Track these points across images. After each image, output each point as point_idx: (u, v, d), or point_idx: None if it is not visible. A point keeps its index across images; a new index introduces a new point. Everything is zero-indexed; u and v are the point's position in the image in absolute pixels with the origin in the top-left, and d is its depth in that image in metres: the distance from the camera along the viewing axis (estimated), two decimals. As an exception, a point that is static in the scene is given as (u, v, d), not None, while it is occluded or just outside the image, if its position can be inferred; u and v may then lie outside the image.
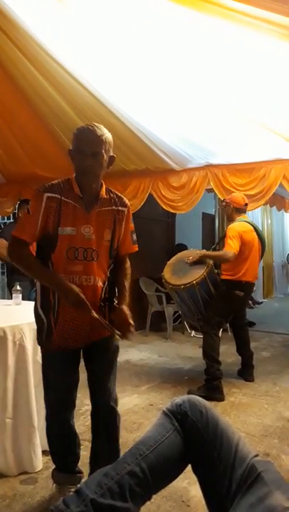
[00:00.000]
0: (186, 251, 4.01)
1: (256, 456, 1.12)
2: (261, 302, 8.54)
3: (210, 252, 3.73)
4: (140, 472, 1.08)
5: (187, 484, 2.02)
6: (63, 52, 3.25)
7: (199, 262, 3.53)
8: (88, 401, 3.13)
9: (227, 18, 2.40)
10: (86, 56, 3.26)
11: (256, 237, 3.51)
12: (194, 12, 2.42)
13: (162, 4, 2.44)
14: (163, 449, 1.12)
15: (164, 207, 4.75)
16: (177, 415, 1.19)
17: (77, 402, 3.05)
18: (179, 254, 3.85)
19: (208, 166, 4.35)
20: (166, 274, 3.68)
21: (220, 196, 4.29)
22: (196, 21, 2.54)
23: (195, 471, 1.17)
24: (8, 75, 3.62)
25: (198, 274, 3.44)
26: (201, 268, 3.48)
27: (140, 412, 2.98)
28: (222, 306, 3.45)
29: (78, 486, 1.11)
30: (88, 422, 2.77)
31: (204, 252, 3.67)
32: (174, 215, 6.78)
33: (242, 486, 1.05)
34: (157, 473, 1.11)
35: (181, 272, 3.58)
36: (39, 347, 2.22)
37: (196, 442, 1.15)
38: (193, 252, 3.72)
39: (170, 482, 1.17)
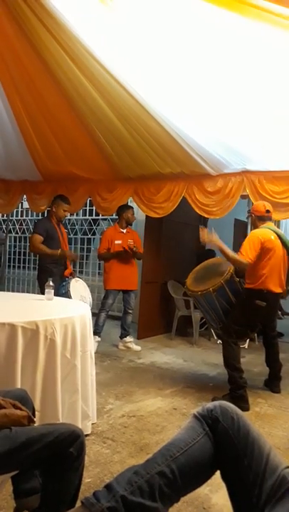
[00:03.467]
0: (212, 259, 3.98)
1: (287, 467, 1.10)
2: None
3: (227, 250, 3.31)
4: (170, 473, 1.08)
5: (209, 491, 2.00)
6: (107, 55, 3.30)
7: (219, 271, 3.48)
8: (112, 400, 3.19)
9: (267, 22, 2.39)
10: (129, 59, 3.31)
11: (280, 244, 3.38)
12: (236, 16, 2.42)
13: (205, 10, 2.45)
14: (193, 452, 1.12)
15: (197, 211, 4.75)
16: (208, 420, 1.18)
17: (101, 400, 3.13)
18: (205, 262, 3.83)
19: (245, 172, 4.32)
20: (189, 280, 3.69)
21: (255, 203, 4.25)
22: (236, 26, 2.54)
23: (224, 477, 1.16)
24: (52, 75, 3.71)
25: (216, 281, 3.41)
26: (220, 276, 3.45)
27: (163, 415, 2.98)
28: (240, 314, 3.37)
29: (108, 481, 1.11)
30: (111, 420, 2.82)
31: (222, 245, 3.33)
32: (205, 220, 6.74)
33: (272, 497, 1.03)
34: (186, 475, 1.11)
35: (203, 279, 3.57)
36: (69, 343, 2.28)
37: (226, 448, 1.14)
38: (219, 259, 3.68)
39: (198, 486, 1.16)
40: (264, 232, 3.32)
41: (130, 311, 4.97)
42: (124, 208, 4.99)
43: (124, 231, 4.95)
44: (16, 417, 1.29)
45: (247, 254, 3.19)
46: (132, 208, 5.04)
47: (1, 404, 1.32)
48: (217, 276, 3.48)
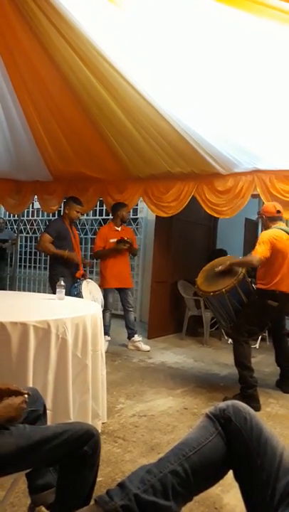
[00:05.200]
0: (221, 258, 3.95)
1: (301, 468, 1.09)
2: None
3: (236, 260, 3.57)
4: (183, 472, 1.08)
5: (220, 491, 1.99)
6: (116, 54, 3.31)
7: (231, 270, 3.48)
8: (123, 399, 3.20)
9: (277, 19, 2.37)
10: (138, 59, 3.31)
11: None
12: (244, 14, 2.41)
13: (216, 7, 2.44)
14: (205, 451, 1.12)
15: (207, 211, 4.73)
16: (221, 419, 1.18)
17: (112, 399, 3.14)
18: (215, 261, 3.80)
19: (256, 172, 4.29)
20: (199, 279, 3.65)
21: (265, 202, 4.21)
22: (246, 24, 2.52)
23: (236, 477, 1.16)
24: (62, 75, 3.73)
25: (228, 281, 3.38)
26: (233, 276, 3.43)
27: (174, 414, 2.98)
28: (252, 314, 3.37)
29: (120, 480, 1.12)
30: (122, 420, 2.82)
31: (232, 260, 3.55)
32: (216, 219, 6.72)
33: (286, 496, 1.03)
34: (199, 475, 1.10)
35: (214, 279, 3.54)
36: (80, 342, 2.29)
37: (239, 448, 1.14)
38: (225, 260, 3.66)
39: (211, 485, 1.16)
40: (276, 233, 3.33)
41: (131, 309, 4.96)
42: (119, 205, 4.99)
43: (119, 229, 4.96)
44: (17, 406, 1.31)
45: (260, 251, 3.21)
46: (126, 205, 5.03)
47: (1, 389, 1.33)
48: (229, 276, 3.46)
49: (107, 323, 4.84)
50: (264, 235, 3.33)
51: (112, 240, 4.82)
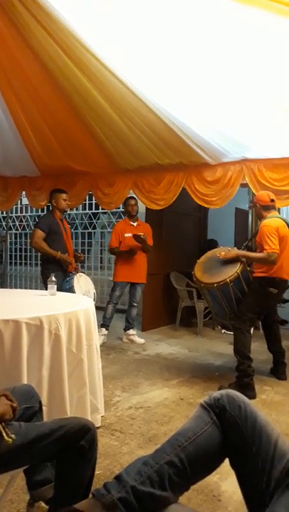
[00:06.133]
0: (216, 249, 3.94)
1: (296, 453, 1.10)
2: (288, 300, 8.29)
3: (250, 253, 3.46)
4: (179, 463, 1.09)
5: (218, 479, 2.01)
6: (100, 46, 3.26)
7: (232, 259, 3.48)
8: (119, 392, 3.21)
9: (260, 7, 2.36)
10: (122, 50, 3.27)
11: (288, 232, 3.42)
12: (229, 2, 2.38)
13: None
14: (201, 441, 1.13)
15: (197, 201, 4.72)
16: (215, 409, 1.18)
17: (108, 393, 3.15)
18: (209, 253, 3.78)
19: (244, 161, 4.29)
20: (198, 272, 3.60)
21: (254, 192, 4.22)
22: (230, 10, 2.50)
23: (232, 465, 1.16)
24: (45, 68, 3.68)
25: (231, 271, 3.36)
26: (234, 265, 3.40)
27: (171, 405, 2.99)
28: (254, 302, 3.39)
29: (118, 472, 1.12)
30: (119, 412, 2.83)
31: (243, 252, 3.47)
32: (206, 210, 6.72)
33: (281, 483, 1.04)
34: (195, 464, 1.11)
35: (213, 270, 3.51)
36: (74, 337, 2.29)
37: (234, 437, 1.14)
38: (225, 249, 3.65)
39: (208, 474, 1.17)
40: (277, 222, 3.34)
41: (135, 305, 4.97)
42: (125, 200, 4.99)
43: (135, 224, 4.95)
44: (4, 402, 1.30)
45: (271, 246, 3.20)
46: (130, 198, 5.00)
47: None
48: (229, 265, 3.45)
49: (109, 315, 4.84)
50: (270, 226, 3.29)
51: (127, 235, 4.81)
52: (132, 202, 4.94)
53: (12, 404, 1.30)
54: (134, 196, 5.07)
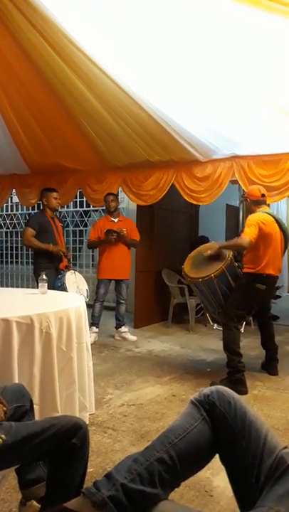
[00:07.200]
0: (207, 244, 3.96)
1: (285, 448, 1.11)
2: (280, 296, 8.35)
3: (226, 242, 3.63)
4: (169, 459, 1.09)
5: (210, 474, 2.03)
6: (90, 43, 3.24)
7: (219, 255, 3.49)
8: (111, 390, 3.21)
9: (253, 4, 2.36)
10: (112, 47, 3.25)
11: (278, 228, 3.42)
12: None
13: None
14: (191, 437, 1.13)
15: (186, 198, 4.72)
16: (205, 405, 1.19)
17: (100, 390, 3.15)
18: (200, 247, 3.81)
19: (234, 157, 4.29)
20: (186, 267, 3.64)
21: (244, 188, 4.23)
22: (222, 8, 2.50)
23: (222, 460, 1.17)
24: (35, 65, 3.65)
25: (216, 266, 3.40)
26: (220, 261, 3.45)
27: (163, 402, 3.00)
28: (241, 298, 3.40)
29: (108, 470, 1.12)
30: (111, 410, 2.83)
31: (222, 243, 3.59)
32: (197, 206, 6.73)
33: (271, 477, 1.04)
34: (186, 461, 1.11)
35: (201, 265, 3.54)
36: (64, 335, 2.28)
37: (224, 432, 1.15)
38: (214, 244, 3.68)
39: (198, 470, 1.17)
40: (263, 217, 3.35)
41: (122, 301, 4.95)
42: (104, 197, 4.95)
43: (116, 220, 4.92)
44: None
45: (249, 232, 3.21)
46: (108, 194, 4.93)
47: None
48: (216, 261, 3.47)
49: (97, 313, 4.83)
50: (252, 218, 3.33)
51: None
52: (109, 198, 4.88)
53: (3, 407, 1.30)
54: (112, 192, 5.03)
